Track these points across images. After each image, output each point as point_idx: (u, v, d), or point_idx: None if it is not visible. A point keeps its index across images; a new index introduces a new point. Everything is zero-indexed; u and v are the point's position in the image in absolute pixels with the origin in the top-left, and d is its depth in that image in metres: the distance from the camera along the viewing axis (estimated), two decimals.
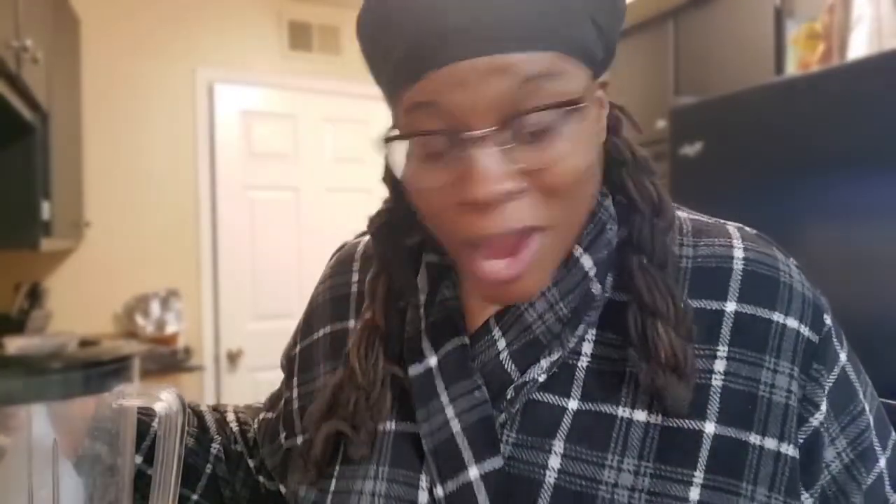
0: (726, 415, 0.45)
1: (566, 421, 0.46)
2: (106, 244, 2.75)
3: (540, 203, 0.43)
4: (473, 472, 0.46)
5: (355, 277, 0.62)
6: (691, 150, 1.65)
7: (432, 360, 0.50)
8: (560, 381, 0.48)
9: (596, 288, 0.48)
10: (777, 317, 0.47)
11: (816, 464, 0.47)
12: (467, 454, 0.46)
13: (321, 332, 0.62)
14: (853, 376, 0.50)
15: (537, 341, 0.48)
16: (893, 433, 0.52)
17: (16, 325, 2.35)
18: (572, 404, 0.47)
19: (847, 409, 0.49)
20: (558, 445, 0.46)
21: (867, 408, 0.50)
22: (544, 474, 0.45)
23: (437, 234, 0.49)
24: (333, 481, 0.52)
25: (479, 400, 0.48)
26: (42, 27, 1.80)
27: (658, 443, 0.45)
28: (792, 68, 1.78)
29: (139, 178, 2.83)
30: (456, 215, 0.44)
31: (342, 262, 0.65)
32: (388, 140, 0.48)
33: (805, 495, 0.46)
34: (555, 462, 0.45)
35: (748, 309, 0.47)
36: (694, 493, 0.43)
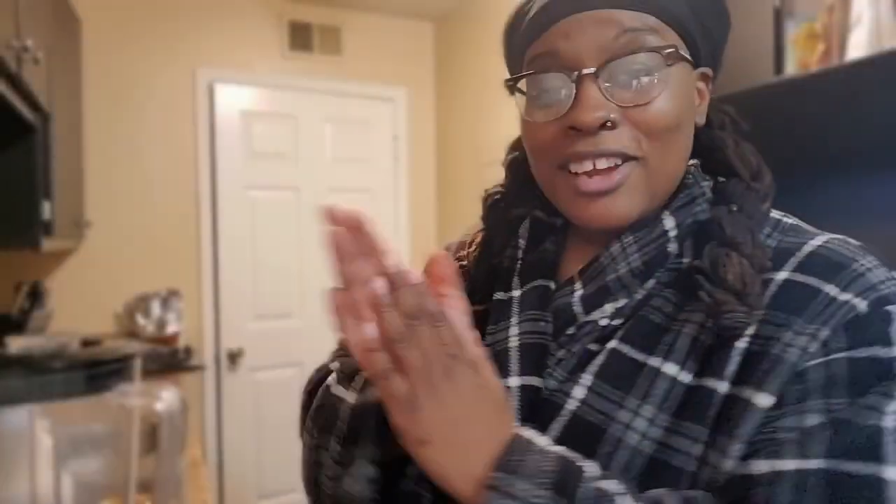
0: (742, 376, 0.46)
1: (600, 357, 0.51)
2: (107, 244, 2.75)
3: (633, 136, 0.50)
4: (514, 381, 0.52)
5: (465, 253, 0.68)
6: None
7: (516, 293, 0.57)
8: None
9: (673, 247, 0.53)
10: (829, 288, 0.47)
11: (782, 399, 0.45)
12: (515, 367, 0.52)
13: None
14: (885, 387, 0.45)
15: (607, 288, 0.53)
16: None
17: (17, 324, 2.35)
18: (611, 344, 0.51)
19: (870, 391, 0.44)
20: (587, 378, 0.50)
21: (892, 409, 0.44)
22: (566, 401, 0.50)
23: (540, 170, 0.56)
24: None
25: (542, 329, 0.54)
26: (43, 27, 1.80)
27: (680, 399, 0.47)
28: (791, 68, 1.78)
29: (140, 178, 2.83)
30: (562, 141, 0.52)
31: (462, 243, 0.71)
32: (515, 79, 0.55)
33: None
34: (579, 392, 0.50)
35: (799, 278, 0.49)
36: (697, 450, 0.46)
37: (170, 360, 2.53)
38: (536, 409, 0.50)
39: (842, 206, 1.34)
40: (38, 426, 0.41)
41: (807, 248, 0.51)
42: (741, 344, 0.47)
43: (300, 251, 3.11)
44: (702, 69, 0.55)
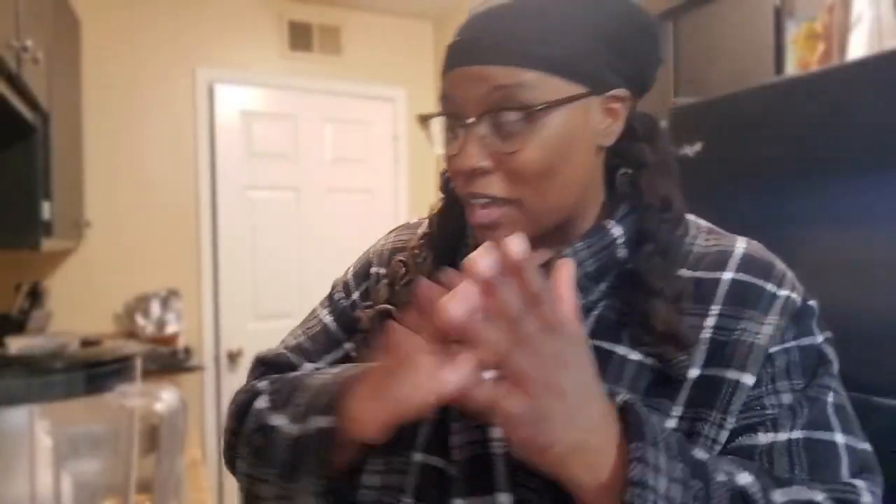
0: (710, 359, 0.55)
1: None
2: (106, 244, 2.75)
3: (505, 182, 0.56)
4: None
5: (414, 240, 0.73)
6: (691, 150, 1.65)
7: None
8: None
9: (622, 252, 0.59)
10: (770, 286, 0.58)
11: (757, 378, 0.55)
12: None
13: (374, 271, 0.75)
14: (830, 354, 0.59)
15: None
16: (859, 434, 0.57)
17: (16, 324, 2.35)
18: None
19: (818, 371, 0.57)
20: None
21: (833, 382, 0.58)
22: None
23: (459, 193, 0.61)
24: None
25: None
26: (42, 28, 1.80)
27: (648, 380, 0.55)
28: (791, 68, 1.78)
29: (139, 178, 2.83)
30: (457, 178, 0.59)
31: (408, 226, 0.78)
32: (424, 118, 0.61)
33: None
34: None
35: (743, 277, 0.58)
36: (671, 424, 0.54)
37: (170, 360, 2.53)
38: None
39: (841, 205, 1.34)
40: (37, 426, 0.41)
41: (739, 251, 0.60)
42: (704, 335, 0.56)
43: (300, 251, 3.11)
44: (613, 92, 0.57)
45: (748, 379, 0.54)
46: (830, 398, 0.56)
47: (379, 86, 3.29)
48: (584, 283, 0.58)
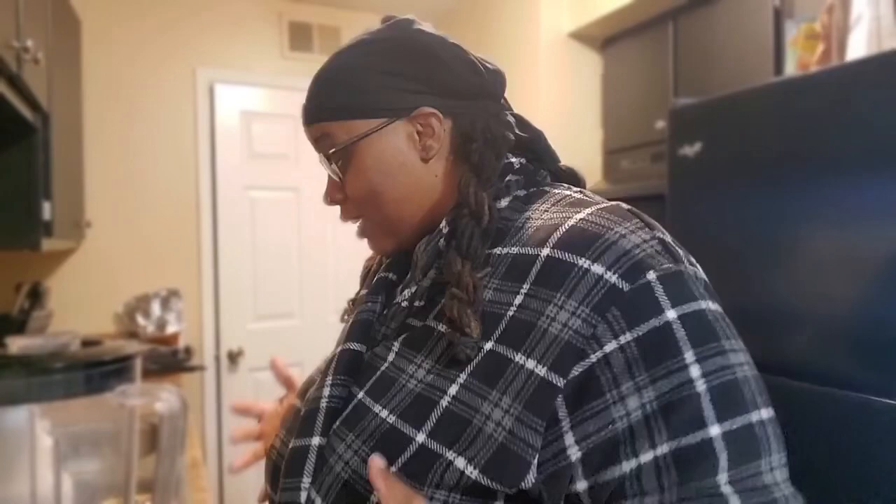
0: (504, 337, 0.56)
1: (409, 331, 0.65)
2: (107, 244, 2.75)
3: (352, 206, 0.71)
4: (338, 349, 0.68)
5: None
6: (690, 150, 1.65)
7: (368, 286, 0.75)
8: (426, 309, 0.66)
9: (441, 244, 0.65)
10: (582, 262, 0.54)
11: (589, 394, 0.51)
12: (343, 338, 0.69)
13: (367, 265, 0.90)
14: (680, 335, 0.51)
15: (412, 277, 0.68)
16: (753, 416, 0.51)
17: (17, 324, 2.35)
18: (415, 321, 0.65)
19: (663, 363, 0.50)
20: (396, 346, 0.65)
21: (695, 370, 0.50)
22: (381, 364, 0.65)
23: None
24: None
25: (370, 309, 0.70)
26: (43, 28, 1.80)
27: (445, 350, 0.59)
28: (791, 69, 1.78)
29: (140, 178, 2.83)
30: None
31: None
32: (321, 160, 0.72)
33: (566, 420, 0.52)
34: (391, 356, 0.64)
35: (558, 254, 0.56)
36: (453, 389, 0.56)
37: (170, 360, 2.53)
38: (356, 369, 0.66)
39: (841, 205, 1.34)
40: (38, 426, 0.41)
41: (567, 224, 0.58)
42: (509, 312, 0.57)
43: (300, 251, 3.11)
44: (416, 112, 0.66)
45: (533, 365, 0.52)
46: (695, 385, 0.50)
47: None
48: (418, 273, 0.67)
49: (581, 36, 2.59)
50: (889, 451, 0.95)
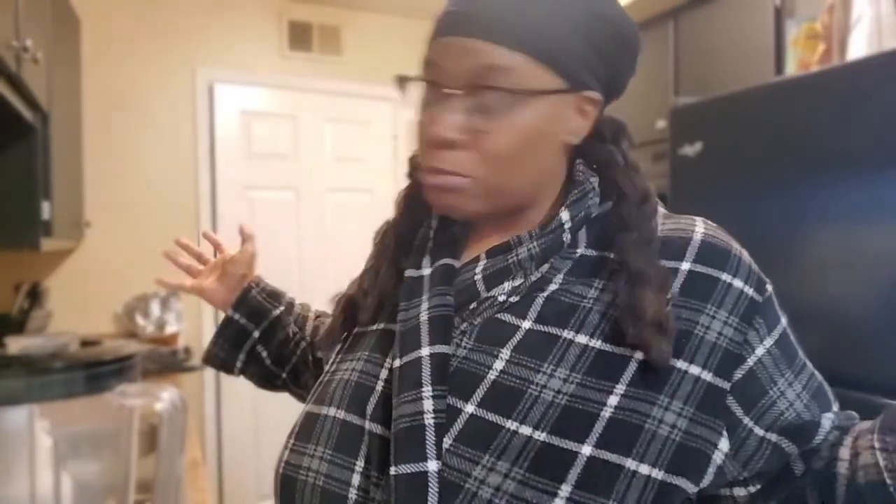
0: None
1: (518, 336, 0.58)
2: (106, 244, 2.75)
3: (472, 159, 0.57)
4: (424, 351, 0.57)
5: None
6: (691, 150, 1.65)
7: (426, 271, 0.63)
8: (521, 307, 0.59)
9: (566, 237, 0.61)
10: (725, 276, 0.59)
11: (757, 396, 0.57)
12: (425, 339, 0.58)
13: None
14: (792, 339, 0.61)
15: (507, 269, 0.60)
16: (833, 407, 0.62)
17: (16, 324, 2.34)
18: (526, 324, 0.58)
19: (794, 361, 0.60)
20: (505, 353, 0.57)
21: (808, 364, 0.62)
22: (487, 372, 0.56)
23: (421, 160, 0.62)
24: (334, 365, 0.67)
25: (447, 303, 0.60)
26: (42, 27, 1.80)
27: (591, 361, 0.55)
28: (792, 68, 1.78)
29: (139, 178, 2.83)
30: (423, 146, 0.60)
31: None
32: (404, 79, 0.63)
33: (747, 418, 0.57)
34: (499, 364, 0.57)
35: (700, 268, 0.59)
36: (613, 400, 0.54)
37: (170, 360, 2.53)
38: (454, 377, 0.57)
39: (842, 204, 1.34)
40: (37, 426, 0.41)
41: (697, 238, 0.61)
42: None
43: (300, 251, 3.11)
44: (587, 93, 0.60)
45: (698, 371, 0.55)
46: (816, 376, 0.62)
47: (379, 86, 3.29)
48: (527, 264, 0.60)
49: None
50: None
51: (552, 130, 0.59)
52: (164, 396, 0.43)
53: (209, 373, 2.93)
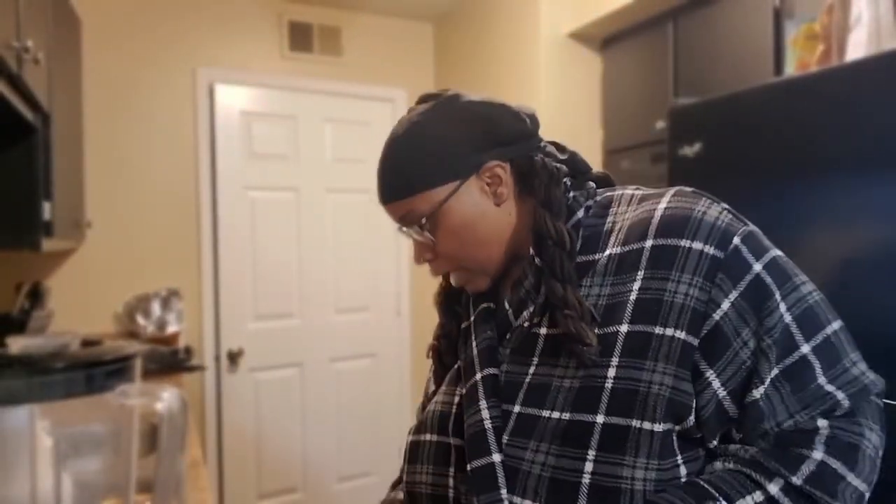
0: (636, 317, 0.68)
1: (539, 344, 0.74)
2: (107, 244, 2.75)
3: (445, 261, 0.81)
4: (478, 376, 0.76)
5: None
6: (690, 150, 1.65)
7: (473, 317, 0.83)
8: (538, 323, 0.76)
9: (538, 262, 0.76)
10: (684, 242, 0.68)
11: (721, 346, 0.65)
12: (478, 366, 0.77)
13: None
14: (768, 280, 0.67)
15: (523, 300, 0.78)
16: (828, 329, 0.67)
17: (17, 324, 2.35)
18: (542, 330, 0.75)
19: (764, 305, 0.66)
20: (535, 360, 0.74)
21: (783, 306, 0.66)
22: (524, 378, 0.74)
23: None
24: (429, 402, 0.85)
25: (490, 336, 0.79)
26: (43, 28, 1.80)
27: (552, 346, 0.72)
28: (791, 69, 1.78)
29: (140, 178, 2.84)
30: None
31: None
32: (400, 230, 0.82)
33: (710, 371, 0.66)
34: (531, 370, 0.74)
35: (661, 241, 0.69)
36: (611, 372, 0.67)
37: (170, 360, 2.53)
38: (503, 389, 0.74)
39: (841, 205, 1.34)
40: (38, 426, 0.41)
41: (657, 216, 0.71)
42: (631, 297, 0.68)
43: (300, 251, 3.11)
44: (483, 168, 0.76)
45: (672, 332, 0.66)
46: (784, 318, 0.66)
47: (379, 87, 3.30)
48: (533, 295, 0.77)
49: (581, 36, 2.59)
50: (889, 450, 0.95)
51: (477, 210, 0.77)
52: (165, 396, 0.43)
53: (209, 373, 2.93)
